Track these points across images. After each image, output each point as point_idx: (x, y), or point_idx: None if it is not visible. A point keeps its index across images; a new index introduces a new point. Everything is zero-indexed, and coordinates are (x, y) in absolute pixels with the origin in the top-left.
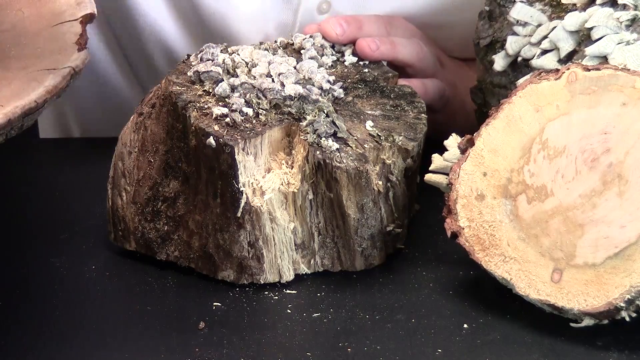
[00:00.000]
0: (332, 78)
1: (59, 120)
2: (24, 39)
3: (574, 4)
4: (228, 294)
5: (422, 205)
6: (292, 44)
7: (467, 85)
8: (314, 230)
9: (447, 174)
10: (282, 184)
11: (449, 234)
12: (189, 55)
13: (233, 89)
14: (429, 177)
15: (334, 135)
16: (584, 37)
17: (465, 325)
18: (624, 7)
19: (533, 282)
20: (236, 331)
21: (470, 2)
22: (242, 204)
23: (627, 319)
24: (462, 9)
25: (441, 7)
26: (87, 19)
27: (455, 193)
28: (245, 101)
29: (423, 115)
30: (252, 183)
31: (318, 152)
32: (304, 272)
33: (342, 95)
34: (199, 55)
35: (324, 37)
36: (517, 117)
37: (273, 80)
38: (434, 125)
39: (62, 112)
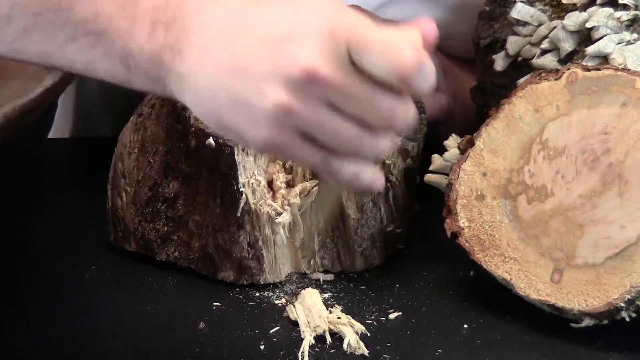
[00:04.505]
0: None
1: (61, 120)
2: None
3: (574, 4)
4: (228, 294)
5: (422, 205)
6: None
7: (467, 93)
8: (314, 231)
9: (447, 174)
10: (283, 185)
11: (449, 234)
12: None
13: None
14: (429, 177)
15: None
16: (584, 37)
17: (465, 325)
18: (624, 7)
19: (533, 283)
20: (236, 331)
21: (469, 4)
22: (242, 205)
23: (627, 319)
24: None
25: (441, 15)
26: None
27: (455, 193)
28: None
29: (423, 115)
30: (252, 184)
31: None
32: (304, 273)
33: None
34: None
35: None
36: (517, 117)
37: None
38: (435, 135)
39: (66, 112)
